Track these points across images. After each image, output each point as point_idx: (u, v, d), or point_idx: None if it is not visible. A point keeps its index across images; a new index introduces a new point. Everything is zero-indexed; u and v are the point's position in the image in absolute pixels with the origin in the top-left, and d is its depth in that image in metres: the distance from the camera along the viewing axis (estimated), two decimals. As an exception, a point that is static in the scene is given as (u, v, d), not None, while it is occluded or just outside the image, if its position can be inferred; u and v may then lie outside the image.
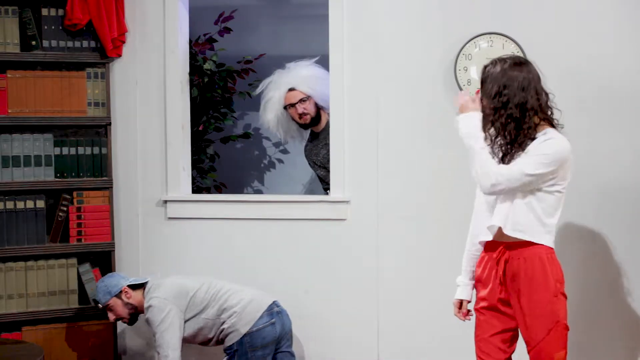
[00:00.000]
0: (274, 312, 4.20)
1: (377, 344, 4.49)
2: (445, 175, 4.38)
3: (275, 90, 4.94)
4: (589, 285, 4.27)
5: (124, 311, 4.21)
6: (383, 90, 4.43)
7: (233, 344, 4.14)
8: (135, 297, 4.22)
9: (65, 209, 4.46)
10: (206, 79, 5.62)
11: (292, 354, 4.30)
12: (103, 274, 4.51)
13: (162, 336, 4.06)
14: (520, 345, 3.42)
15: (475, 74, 4.30)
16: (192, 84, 5.15)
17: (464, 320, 3.56)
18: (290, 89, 4.89)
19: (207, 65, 5.59)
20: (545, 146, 3.22)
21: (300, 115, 4.89)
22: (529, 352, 3.34)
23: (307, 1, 6.19)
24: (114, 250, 4.55)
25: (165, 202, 4.60)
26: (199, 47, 5.63)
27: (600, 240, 4.28)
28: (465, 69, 4.32)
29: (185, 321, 4.16)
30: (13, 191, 4.37)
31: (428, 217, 4.41)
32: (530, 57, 4.20)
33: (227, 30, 5.79)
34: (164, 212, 4.61)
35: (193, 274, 4.48)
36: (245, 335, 4.13)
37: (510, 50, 4.25)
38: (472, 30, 4.31)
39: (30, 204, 4.39)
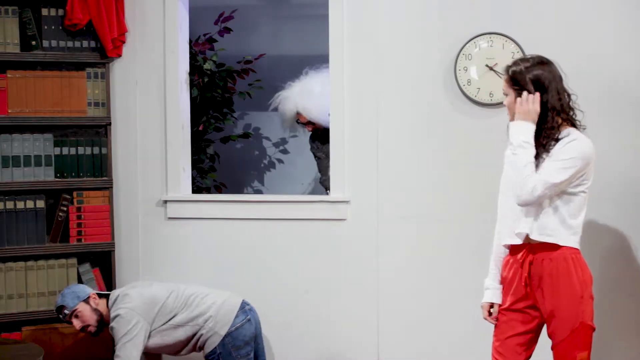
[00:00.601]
0: (247, 309, 4.21)
1: (377, 344, 4.49)
2: (445, 175, 4.38)
3: (286, 107, 5.22)
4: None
5: (92, 317, 4.13)
6: (383, 90, 4.43)
7: (215, 347, 4.12)
8: (101, 305, 4.16)
9: (65, 209, 4.46)
10: (206, 79, 5.63)
11: (262, 349, 4.32)
12: (103, 274, 4.52)
13: (124, 347, 4.01)
14: (543, 344, 3.40)
15: (475, 74, 4.30)
16: (192, 84, 5.16)
17: (493, 323, 3.48)
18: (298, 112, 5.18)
19: (207, 65, 5.60)
20: (568, 149, 3.23)
21: (313, 129, 5.25)
22: (552, 349, 3.33)
23: (307, 1, 6.19)
24: (114, 250, 4.55)
25: (165, 202, 4.60)
26: (199, 47, 5.63)
27: (604, 240, 4.28)
28: (465, 69, 4.32)
29: (155, 330, 4.12)
30: (13, 191, 4.37)
31: (428, 217, 4.41)
32: (530, 57, 4.23)
33: (227, 30, 5.79)
34: (164, 212, 4.61)
35: (193, 274, 4.49)
36: (226, 336, 4.12)
37: (510, 50, 4.26)
38: (472, 30, 4.31)
39: (30, 204, 4.39)
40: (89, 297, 4.15)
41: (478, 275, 4.32)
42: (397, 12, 4.40)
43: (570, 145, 3.24)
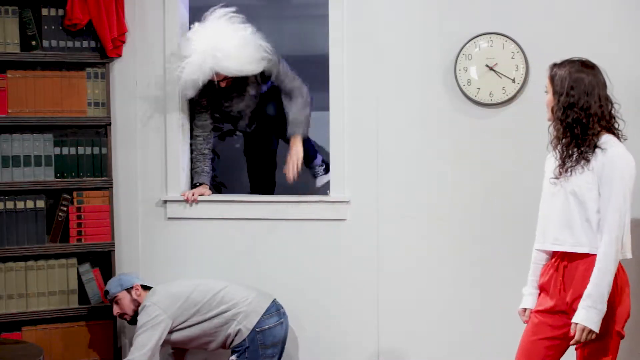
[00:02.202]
0: (282, 312, 4.27)
1: (377, 344, 4.48)
2: (445, 174, 4.38)
3: (197, 74, 4.41)
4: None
5: (129, 307, 4.27)
6: (383, 90, 4.43)
7: (244, 340, 4.17)
8: (142, 296, 4.27)
9: (65, 209, 4.46)
10: (206, 79, 5.61)
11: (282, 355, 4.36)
12: (103, 274, 4.52)
13: (139, 336, 4.12)
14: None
15: (475, 74, 4.30)
16: (192, 84, 5.15)
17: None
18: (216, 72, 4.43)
19: (207, 65, 5.58)
20: (617, 183, 3.17)
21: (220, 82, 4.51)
22: (576, 350, 3.28)
23: (307, 1, 6.19)
24: (114, 250, 4.55)
25: (165, 202, 4.60)
26: (199, 47, 5.61)
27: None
28: (465, 69, 4.32)
29: (184, 323, 4.17)
30: (13, 191, 4.37)
31: (428, 217, 4.41)
32: (530, 57, 4.23)
33: (227, 30, 5.77)
34: (164, 212, 4.61)
35: (193, 274, 4.49)
36: (258, 332, 4.17)
37: (510, 50, 4.25)
38: (472, 30, 4.31)
39: (30, 204, 4.39)
40: (132, 287, 4.28)
41: (478, 275, 4.34)
42: (397, 12, 4.40)
43: (614, 173, 3.18)
